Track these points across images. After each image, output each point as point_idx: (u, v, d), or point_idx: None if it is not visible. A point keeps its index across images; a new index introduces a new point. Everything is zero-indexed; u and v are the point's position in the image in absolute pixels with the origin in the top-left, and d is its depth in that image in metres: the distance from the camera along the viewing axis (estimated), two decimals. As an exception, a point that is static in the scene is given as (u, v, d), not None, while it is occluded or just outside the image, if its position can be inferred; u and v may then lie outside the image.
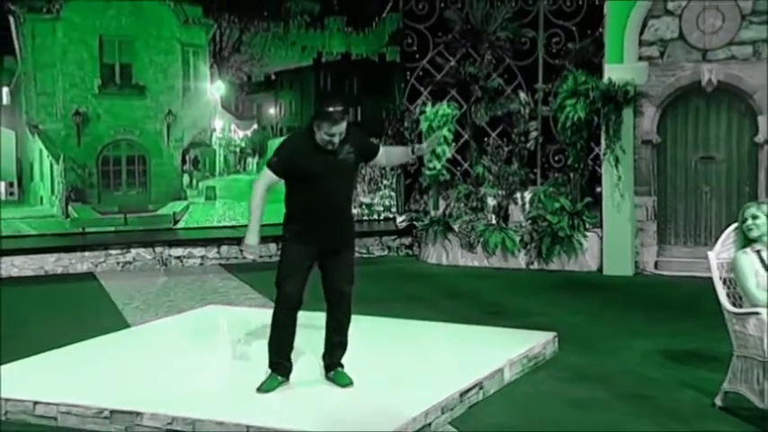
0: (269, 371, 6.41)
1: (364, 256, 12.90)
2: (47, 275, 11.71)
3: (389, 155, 6.77)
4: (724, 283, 6.36)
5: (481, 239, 12.01)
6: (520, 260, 11.93)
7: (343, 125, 6.06)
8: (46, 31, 12.47)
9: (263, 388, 6.30)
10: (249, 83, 13.02)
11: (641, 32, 11.24)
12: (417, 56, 13.34)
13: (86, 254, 11.94)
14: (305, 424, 5.71)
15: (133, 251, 12.07)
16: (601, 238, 11.62)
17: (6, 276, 11.61)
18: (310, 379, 6.57)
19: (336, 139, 6.07)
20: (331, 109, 6.16)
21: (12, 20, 12.34)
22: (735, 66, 10.83)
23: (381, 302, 9.51)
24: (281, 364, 6.41)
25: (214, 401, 6.08)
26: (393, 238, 13.15)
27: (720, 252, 6.50)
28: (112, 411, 5.98)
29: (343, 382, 6.45)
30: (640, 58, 11.25)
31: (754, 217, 6.19)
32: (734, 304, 6.32)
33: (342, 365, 6.58)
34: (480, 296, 10.21)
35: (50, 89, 12.50)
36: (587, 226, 11.69)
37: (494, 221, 12.10)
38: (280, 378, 6.39)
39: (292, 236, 6.29)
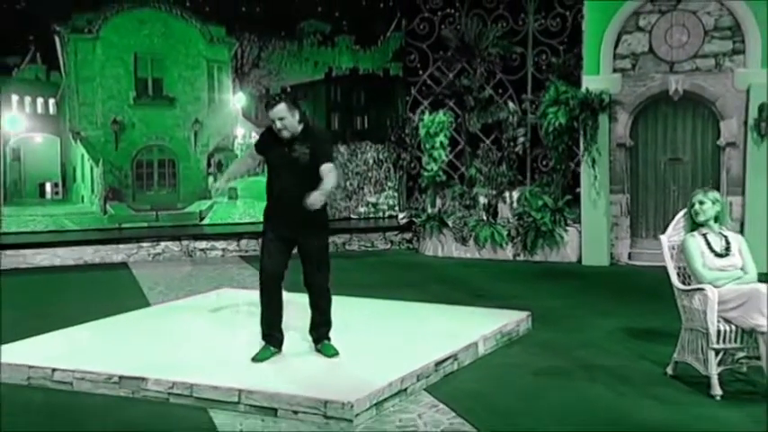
0: (262, 342, 6.43)
1: (369, 249, 12.93)
2: (85, 265, 11.80)
3: (325, 176, 6.32)
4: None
5: (473, 234, 12.01)
6: (507, 252, 11.89)
7: (279, 109, 6.03)
8: (87, 49, 12.54)
9: (257, 357, 6.33)
10: (267, 95, 13.00)
11: (615, 47, 11.21)
12: (419, 71, 13.33)
13: (121, 246, 12.02)
14: (289, 388, 5.72)
15: (162, 244, 12.13)
16: (580, 233, 11.61)
17: (50, 265, 11.71)
18: (301, 351, 6.62)
19: (280, 125, 6.06)
20: (267, 99, 6.36)
21: (57, 40, 12.43)
22: (699, 76, 10.77)
23: (380, 288, 9.54)
24: (272, 335, 6.43)
25: (212, 369, 6.12)
26: (395, 233, 13.15)
27: (672, 236, 6.53)
28: (121, 377, 6.04)
29: (330, 353, 6.48)
30: (615, 70, 11.22)
31: (701, 203, 6.22)
32: (683, 282, 6.33)
33: (329, 338, 6.61)
34: (469, 283, 10.21)
35: (91, 100, 12.58)
36: (568, 221, 11.66)
37: (484, 218, 12.09)
38: (272, 349, 6.42)
39: (267, 219, 6.42)
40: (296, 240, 6.37)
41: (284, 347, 6.52)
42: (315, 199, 5.88)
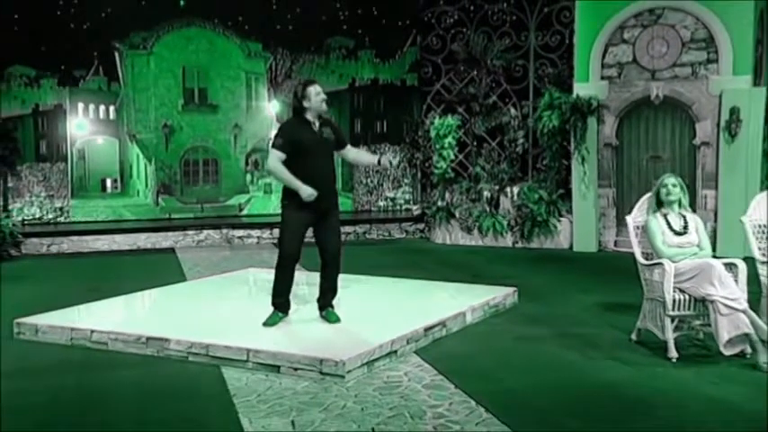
0: (272, 309, 6.44)
1: (387, 237, 12.91)
2: (139, 250, 11.92)
3: (359, 154, 6.84)
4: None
5: (477, 223, 11.95)
6: (507, 240, 11.82)
7: (320, 87, 6.27)
8: (142, 63, 12.65)
9: (267, 322, 6.36)
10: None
11: (603, 57, 11.11)
12: (433, 81, 13.30)
13: (169, 234, 12.11)
14: (291, 348, 5.74)
15: (205, 232, 12.20)
16: (571, 222, 11.50)
17: (108, 249, 11.84)
18: (306, 318, 6.66)
19: (323, 96, 6.20)
20: (308, 79, 6.52)
21: (117, 55, 12.56)
22: (677, 83, 10.63)
23: (391, 269, 9.53)
24: (281, 303, 6.46)
25: (227, 332, 6.17)
26: (410, 223, 13.12)
27: (636, 216, 6.51)
28: (148, 338, 6.11)
29: (332, 319, 6.49)
30: (602, 78, 11.12)
31: (674, 185, 6.18)
32: (646, 258, 6.28)
33: (332, 306, 6.60)
34: (470, 266, 10.16)
35: (145, 107, 12.69)
36: (561, 212, 11.56)
37: (487, 209, 12.00)
38: (281, 314, 6.44)
39: (292, 204, 6.32)
40: (322, 216, 6.37)
41: (291, 315, 6.55)
42: (385, 163, 6.73)
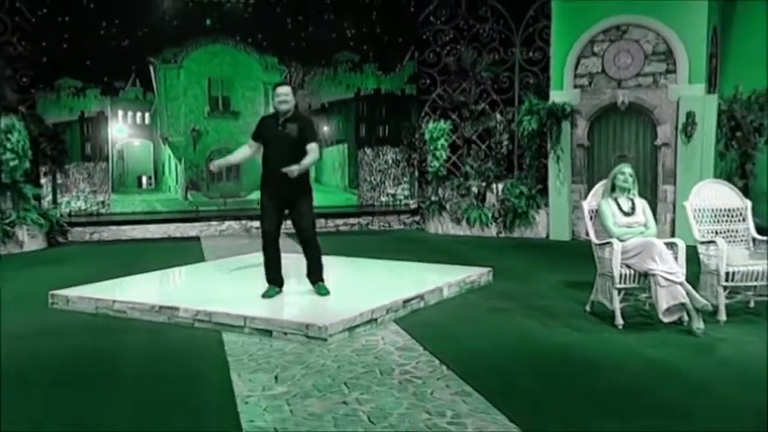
0: (267, 284, 6.46)
1: (387, 228, 12.90)
2: (169, 238, 11.98)
3: (308, 152, 6.17)
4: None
5: (465, 215, 11.90)
6: (492, 230, 11.78)
7: (285, 88, 6.24)
8: (173, 75, 12.71)
9: (264, 295, 6.40)
10: (310, 109, 13.02)
11: (576, 68, 11.06)
12: (430, 90, 13.27)
13: (196, 224, 12.17)
14: (282, 316, 5.76)
15: (227, 222, 12.24)
16: (548, 214, 11.43)
17: (143, 237, 11.91)
18: (299, 291, 6.66)
19: (282, 98, 6.15)
20: (278, 82, 6.48)
21: (151, 68, 12.62)
22: (640, 91, 10.58)
23: (387, 254, 9.46)
24: (273, 278, 6.49)
25: (229, 302, 6.21)
26: (407, 216, 13.10)
27: (590, 201, 6.50)
28: (161, 307, 6.15)
29: (322, 292, 6.49)
30: (575, 86, 11.09)
31: (631, 175, 6.17)
32: (598, 238, 6.26)
33: (323, 281, 6.58)
34: (455, 252, 10.12)
35: (175, 114, 12.74)
36: (539, 205, 11.50)
37: (475, 203, 11.97)
38: (276, 288, 6.47)
39: (263, 193, 6.45)
40: (288, 202, 6.37)
41: (287, 289, 6.56)
42: (292, 170, 5.95)
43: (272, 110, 6.87)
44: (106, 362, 5.11)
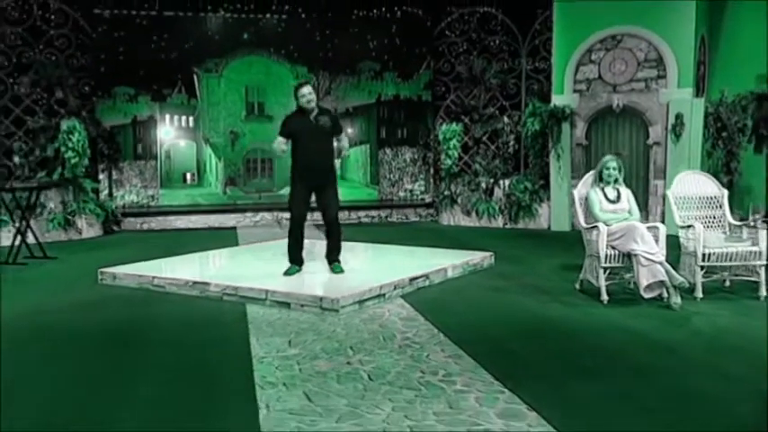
0: (289, 263, 6.50)
1: (404, 220, 12.86)
2: (209, 228, 12.06)
3: (341, 140, 6.58)
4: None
5: (475, 208, 11.85)
6: (499, 221, 11.71)
7: (309, 89, 6.20)
8: (214, 83, 12.81)
9: (286, 273, 6.45)
10: (336, 113, 13.06)
11: (575, 74, 10.95)
12: (445, 96, 13.22)
13: (233, 215, 12.22)
14: (300, 290, 5.79)
15: (260, 214, 12.29)
16: (550, 207, 11.34)
17: (186, 227, 12.03)
18: (316, 270, 6.67)
19: (309, 98, 6.16)
20: (300, 82, 6.52)
21: (195, 77, 12.74)
22: (634, 95, 10.45)
23: (401, 241, 9.43)
24: (295, 258, 6.53)
25: (254, 279, 6.26)
26: (423, 209, 13.07)
27: (580, 190, 6.46)
28: (194, 282, 6.23)
29: (337, 270, 6.53)
30: (574, 91, 10.96)
31: (614, 168, 6.13)
32: (587, 223, 6.21)
33: (339, 261, 6.62)
34: (464, 240, 10.07)
35: (216, 117, 12.83)
36: (542, 199, 11.42)
37: (483, 197, 11.91)
38: (296, 267, 6.51)
39: (295, 178, 6.45)
40: (318, 188, 6.41)
41: (306, 269, 6.59)
42: (345, 147, 6.52)
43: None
44: (142, 327, 5.20)
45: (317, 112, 6.31)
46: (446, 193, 12.25)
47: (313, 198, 6.57)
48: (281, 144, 6.42)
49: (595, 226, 5.85)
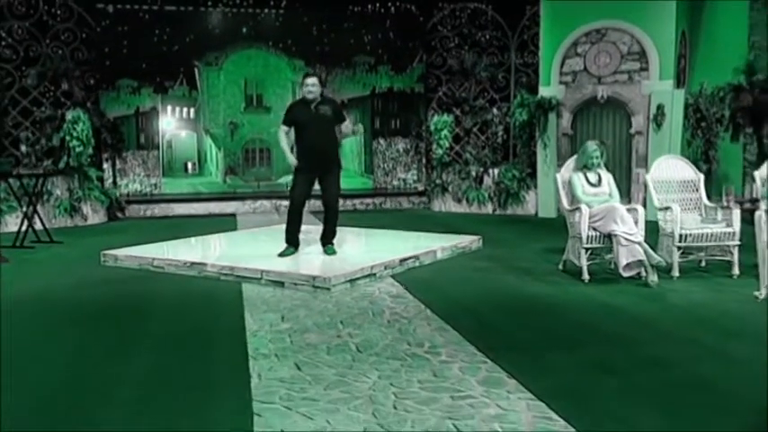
0: (285, 244, 6.51)
1: (398, 208, 12.88)
2: (210, 214, 12.08)
3: (347, 127, 6.77)
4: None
5: (465, 195, 11.86)
6: (488, 208, 11.73)
7: (314, 79, 6.19)
8: (214, 76, 12.73)
9: (281, 254, 6.44)
10: (338, 102, 13.02)
11: (561, 67, 10.94)
12: (437, 89, 13.18)
13: (233, 203, 12.24)
14: (294, 270, 5.79)
15: (259, 201, 12.30)
16: (537, 194, 11.35)
17: (187, 214, 12.03)
18: (310, 252, 6.66)
19: (310, 89, 6.16)
20: (306, 73, 6.53)
21: (196, 70, 12.67)
22: (617, 86, 10.45)
23: (395, 227, 9.42)
24: (291, 239, 6.52)
25: (249, 259, 6.25)
26: (415, 197, 13.07)
27: (563, 174, 6.47)
28: (192, 263, 6.24)
29: (330, 252, 6.53)
30: (560, 83, 10.96)
31: (597, 157, 6.14)
32: (569, 205, 6.23)
33: (332, 243, 6.62)
34: (454, 225, 10.03)
35: (216, 109, 12.76)
36: (529, 186, 11.44)
37: (473, 185, 11.92)
38: (292, 249, 6.51)
39: (299, 166, 6.40)
40: (321, 173, 6.40)
41: (300, 252, 6.59)
42: (355, 130, 6.34)
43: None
44: (141, 303, 5.21)
45: (318, 101, 6.29)
46: (438, 181, 12.26)
47: (317, 186, 6.54)
48: (284, 131, 6.43)
49: (578, 208, 5.87)
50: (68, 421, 3.01)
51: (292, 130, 6.46)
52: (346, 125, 6.69)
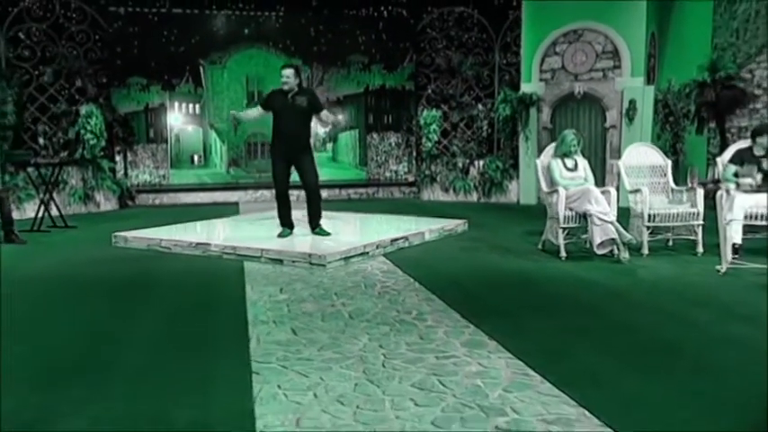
0: (281, 227, 6.48)
1: (390, 197, 12.86)
2: (214, 203, 12.03)
3: (327, 116, 6.58)
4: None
5: (452, 185, 11.86)
6: (473, 197, 11.74)
7: (289, 71, 6.12)
8: (218, 74, 12.67)
9: (279, 235, 6.42)
10: (328, 102, 12.98)
11: (541, 65, 10.94)
12: (426, 86, 13.15)
13: (236, 192, 12.19)
14: (291, 249, 5.78)
15: (260, 191, 12.26)
16: (519, 184, 11.36)
17: (194, 203, 11.99)
18: (309, 234, 6.63)
19: (286, 79, 6.11)
20: (283, 64, 6.46)
21: (201, 68, 12.60)
22: (593, 83, 10.46)
23: (384, 214, 9.42)
24: (285, 222, 6.49)
25: (250, 240, 6.24)
26: (406, 187, 13.05)
27: (543, 159, 6.47)
28: (197, 243, 6.21)
29: (323, 233, 6.51)
30: (540, 80, 10.96)
31: (574, 145, 6.14)
32: (548, 187, 6.23)
33: (320, 225, 6.56)
34: (442, 212, 9.99)
35: (220, 105, 12.69)
36: (512, 177, 11.44)
37: (460, 176, 11.92)
38: (287, 230, 6.48)
39: (273, 151, 6.41)
40: (295, 160, 6.36)
41: (297, 233, 6.57)
42: (339, 120, 6.33)
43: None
44: (148, 278, 5.19)
45: (295, 91, 6.23)
46: (427, 172, 12.25)
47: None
48: (253, 113, 6.47)
49: (555, 190, 5.88)
50: (87, 367, 3.00)
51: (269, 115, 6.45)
52: (326, 114, 6.49)
